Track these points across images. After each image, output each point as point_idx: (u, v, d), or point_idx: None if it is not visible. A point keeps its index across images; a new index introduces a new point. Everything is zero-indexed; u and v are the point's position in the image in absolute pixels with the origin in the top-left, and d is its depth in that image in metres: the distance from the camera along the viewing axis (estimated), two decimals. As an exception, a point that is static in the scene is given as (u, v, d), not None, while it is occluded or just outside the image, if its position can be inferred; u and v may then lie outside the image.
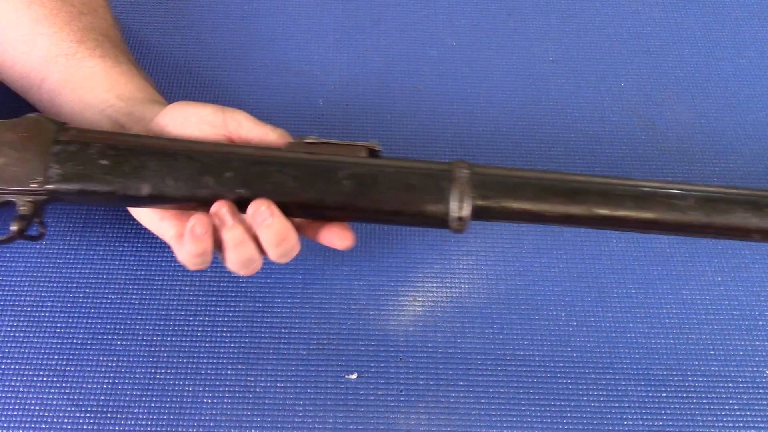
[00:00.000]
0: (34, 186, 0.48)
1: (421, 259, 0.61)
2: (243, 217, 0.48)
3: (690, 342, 0.58)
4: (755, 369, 0.56)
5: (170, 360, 0.54)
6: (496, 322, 0.58)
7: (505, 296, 0.59)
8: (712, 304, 0.60)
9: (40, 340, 0.55)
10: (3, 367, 0.54)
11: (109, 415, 0.52)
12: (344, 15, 0.78)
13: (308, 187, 0.47)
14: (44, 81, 0.57)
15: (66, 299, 0.57)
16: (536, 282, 0.60)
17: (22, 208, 0.48)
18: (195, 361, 0.55)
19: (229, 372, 0.54)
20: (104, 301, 0.57)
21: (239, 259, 0.49)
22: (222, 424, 0.52)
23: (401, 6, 0.79)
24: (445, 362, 0.56)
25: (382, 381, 0.55)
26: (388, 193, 0.47)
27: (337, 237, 0.50)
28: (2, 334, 0.55)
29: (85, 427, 0.52)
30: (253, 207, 0.47)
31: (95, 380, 0.53)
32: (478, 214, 0.47)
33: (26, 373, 0.54)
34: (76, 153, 0.48)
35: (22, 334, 0.55)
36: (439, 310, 0.58)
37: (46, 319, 0.56)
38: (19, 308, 0.56)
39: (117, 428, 0.52)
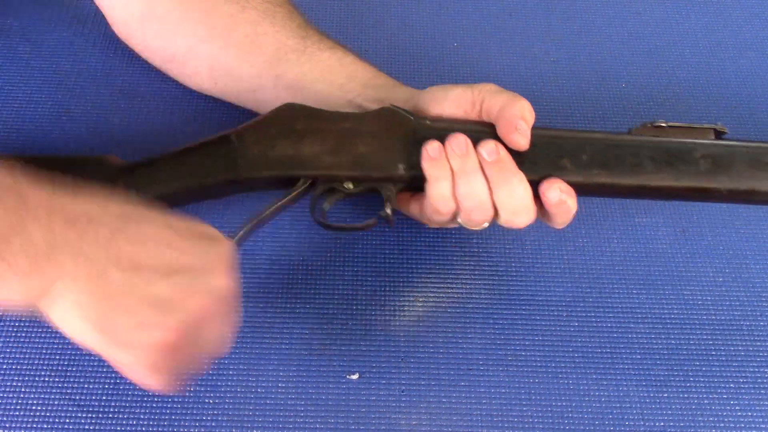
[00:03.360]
0: (400, 173, 0.52)
1: (423, 259, 0.61)
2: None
3: (691, 342, 0.58)
4: (756, 369, 0.56)
5: (172, 360, 0.54)
6: (497, 322, 0.58)
7: (507, 296, 0.59)
8: (713, 304, 0.60)
9: (41, 340, 0.55)
10: (5, 367, 0.54)
11: (110, 416, 0.52)
12: (345, 16, 0.78)
13: (665, 169, 0.50)
14: (280, 78, 0.59)
15: (67, 299, 0.57)
16: (537, 282, 0.60)
17: (388, 194, 0.53)
18: (196, 361, 0.55)
19: (230, 372, 0.54)
20: (106, 301, 0.57)
21: (468, 192, 0.51)
22: (223, 425, 0.52)
23: (402, 7, 0.79)
24: (447, 362, 0.56)
25: (384, 381, 0.55)
26: (745, 172, 0.50)
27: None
28: (4, 334, 0.55)
29: (86, 427, 0.52)
30: (483, 145, 0.50)
31: (97, 380, 0.53)
32: None
33: (28, 373, 0.54)
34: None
35: (23, 334, 0.55)
36: (440, 310, 0.58)
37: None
38: (21, 308, 0.56)
39: (119, 428, 0.52)
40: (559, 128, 0.54)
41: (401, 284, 0.59)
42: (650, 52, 0.77)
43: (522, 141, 0.51)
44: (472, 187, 0.51)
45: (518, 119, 0.51)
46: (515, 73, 0.74)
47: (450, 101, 0.54)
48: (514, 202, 0.51)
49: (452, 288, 0.59)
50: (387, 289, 0.59)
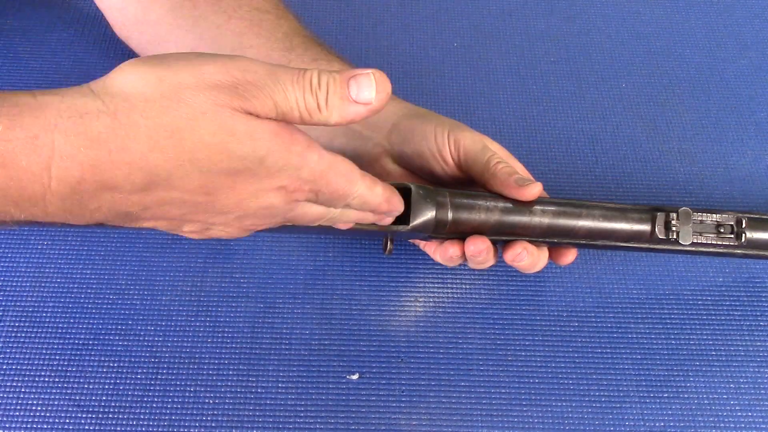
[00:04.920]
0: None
1: (423, 259, 0.61)
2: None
3: (691, 342, 0.58)
4: (756, 369, 0.56)
5: (171, 361, 0.55)
6: (497, 322, 0.58)
7: (506, 296, 0.59)
8: (713, 304, 0.60)
9: (41, 341, 0.55)
10: (5, 367, 0.54)
11: (110, 416, 0.52)
12: (345, 16, 0.78)
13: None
14: None
15: (68, 300, 0.57)
16: (537, 282, 0.60)
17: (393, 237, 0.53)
18: (196, 361, 0.55)
19: (230, 372, 0.54)
20: (106, 301, 0.57)
21: (479, 265, 0.53)
22: (223, 425, 0.52)
23: (402, 7, 0.79)
24: (447, 363, 0.56)
25: (384, 381, 0.55)
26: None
27: (571, 254, 0.55)
28: (4, 335, 0.55)
29: (86, 427, 0.52)
30: (509, 250, 0.51)
31: (97, 381, 0.53)
32: None
33: (28, 373, 0.54)
34: None
35: (23, 335, 0.55)
36: (440, 310, 0.58)
37: (47, 320, 0.56)
38: (21, 309, 0.56)
39: (118, 428, 0.52)
40: (560, 204, 0.52)
41: (401, 284, 0.59)
42: (651, 53, 0.77)
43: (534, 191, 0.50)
44: (484, 265, 0.53)
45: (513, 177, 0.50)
46: (515, 73, 0.74)
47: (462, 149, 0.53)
48: (526, 268, 0.53)
49: (452, 288, 0.59)
50: (387, 289, 0.59)
